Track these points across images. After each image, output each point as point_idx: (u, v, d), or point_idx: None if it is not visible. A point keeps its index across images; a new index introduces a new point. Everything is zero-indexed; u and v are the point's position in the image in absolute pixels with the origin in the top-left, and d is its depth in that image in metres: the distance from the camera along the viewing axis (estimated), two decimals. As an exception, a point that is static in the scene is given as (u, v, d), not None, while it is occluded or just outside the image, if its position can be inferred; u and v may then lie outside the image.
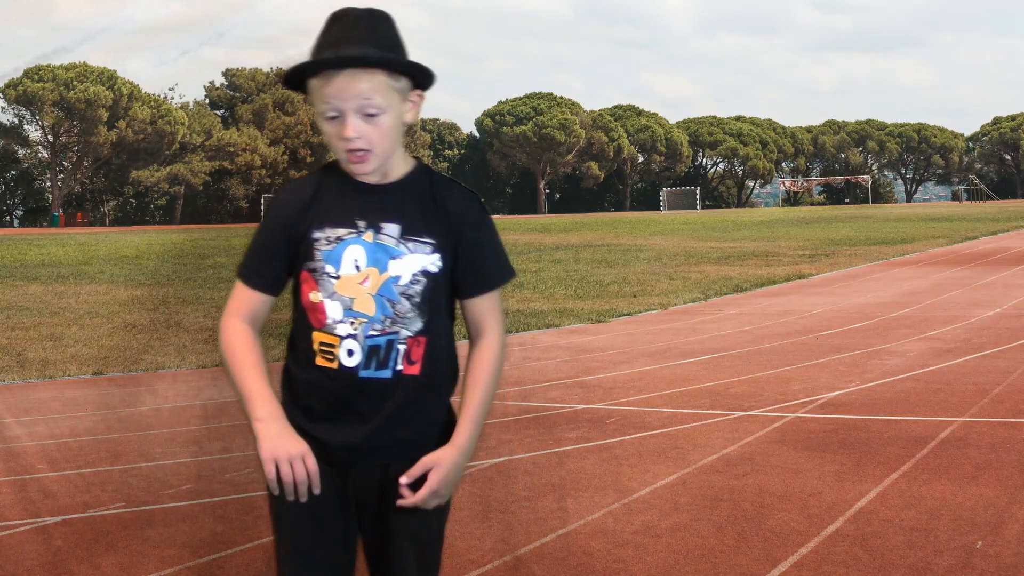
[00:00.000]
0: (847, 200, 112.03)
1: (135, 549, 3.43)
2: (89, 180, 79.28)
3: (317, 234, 1.76)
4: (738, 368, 6.84)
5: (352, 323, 1.75)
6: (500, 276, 1.86)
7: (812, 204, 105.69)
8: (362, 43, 1.71)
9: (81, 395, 6.50)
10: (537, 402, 5.80)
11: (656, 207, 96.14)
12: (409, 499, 1.75)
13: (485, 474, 4.25)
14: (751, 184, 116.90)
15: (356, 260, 1.75)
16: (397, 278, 1.75)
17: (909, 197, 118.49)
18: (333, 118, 1.73)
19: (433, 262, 1.77)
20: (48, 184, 79.90)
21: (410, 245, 1.76)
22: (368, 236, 1.75)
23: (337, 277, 1.75)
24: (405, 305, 1.75)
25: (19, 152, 79.71)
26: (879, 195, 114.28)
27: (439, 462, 1.75)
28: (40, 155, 78.98)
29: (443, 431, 1.82)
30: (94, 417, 5.75)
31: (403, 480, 1.75)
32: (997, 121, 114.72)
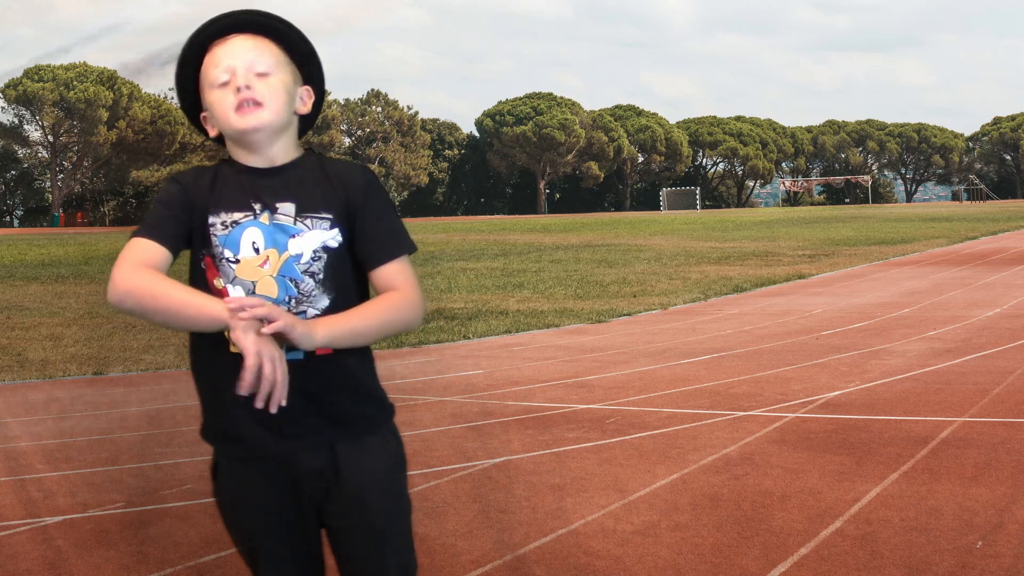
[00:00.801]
0: (847, 200, 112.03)
1: (135, 549, 3.43)
2: (89, 180, 79.28)
3: (212, 219, 1.74)
4: (738, 368, 6.84)
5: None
6: (400, 245, 1.79)
7: (812, 204, 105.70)
8: (265, 16, 1.80)
9: (81, 395, 6.50)
10: (537, 402, 5.80)
11: (656, 207, 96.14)
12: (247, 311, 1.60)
13: (485, 474, 4.25)
14: (751, 184, 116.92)
15: (254, 242, 1.73)
16: (298, 256, 1.73)
17: (909, 197, 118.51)
18: (224, 83, 1.75)
19: (333, 237, 1.75)
20: (48, 184, 79.91)
21: (308, 222, 1.74)
22: (264, 218, 1.74)
23: (236, 261, 1.73)
24: (309, 283, 1.73)
25: (19, 152, 79.74)
26: (879, 195, 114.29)
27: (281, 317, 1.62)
28: (40, 155, 79.00)
29: (377, 405, 1.81)
30: (94, 417, 5.75)
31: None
32: (997, 121, 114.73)
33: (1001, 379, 6.11)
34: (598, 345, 8.30)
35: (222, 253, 1.73)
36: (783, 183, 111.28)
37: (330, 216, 1.75)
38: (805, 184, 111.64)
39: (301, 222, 1.74)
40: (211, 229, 1.74)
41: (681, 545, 3.34)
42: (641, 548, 3.32)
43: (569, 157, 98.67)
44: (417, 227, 47.37)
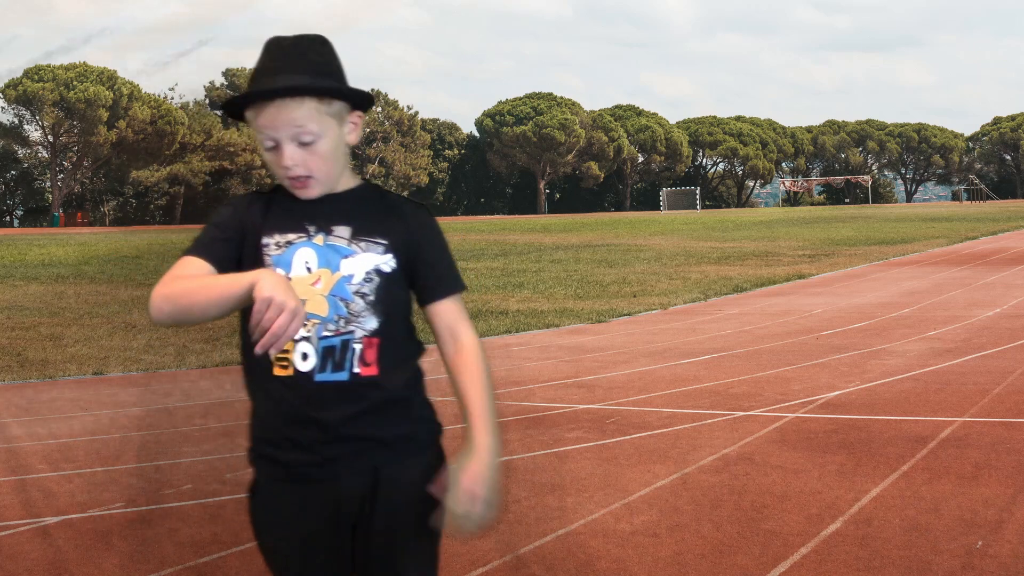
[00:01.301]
0: (847, 200, 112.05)
1: (135, 549, 3.43)
2: (89, 180, 79.29)
3: (266, 239, 1.75)
4: (738, 368, 6.84)
5: (305, 325, 1.71)
6: (458, 283, 1.84)
7: (812, 204, 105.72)
8: (292, 71, 1.72)
9: (81, 395, 6.50)
10: (537, 402, 5.80)
11: (656, 207, 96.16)
12: (449, 515, 1.69)
13: (485, 474, 4.25)
14: (751, 184, 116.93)
15: (307, 262, 1.73)
16: (350, 277, 1.73)
17: (909, 197, 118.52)
18: (271, 148, 1.75)
19: (386, 262, 1.75)
20: (48, 184, 79.92)
21: (362, 244, 1.74)
22: (319, 239, 1.74)
23: (289, 280, 1.71)
24: (359, 304, 1.73)
25: (19, 152, 79.74)
26: (879, 195, 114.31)
27: (466, 467, 1.70)
28: (40, 155, 79.01)
29: (422, 425, 1.79)
30: (94, 417, 5.75)
31: (434, 489, 1.72)
32: (997, 121, 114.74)
33: (1001, 379, 6.11)
34: (598, 345, 8.30)
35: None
36: (783, 183, 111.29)
37: (385, 242, 1.75)
38: (805, 184, 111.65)
39: (355, 244, 1.74)
40: (264, 249, 1.74)
41: (681, 545, 3.34)
42: (641, 548, 3.32)
43: (569, 157, 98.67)
44: (417, 227, 47.25)
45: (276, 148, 1.74)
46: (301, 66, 1.73)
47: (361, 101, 1.81)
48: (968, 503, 3.70)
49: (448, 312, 1.81)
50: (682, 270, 17.24)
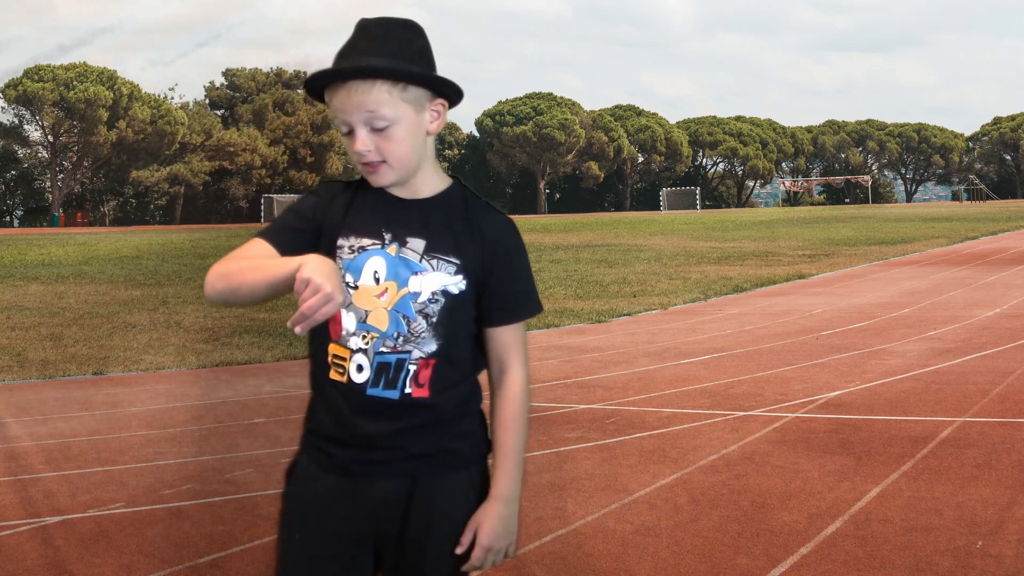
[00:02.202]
0: (847, 200, 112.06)
1: (135, 549, 3.43)
2: (89, 180, 79.30)
3: (342, 241, 1.71)
4: (738, 368, 6.84)
5: (364, 337, 1.69)
6: (528, 308, 1.78)
7: (812, 204, 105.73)
8: (371, 53, 1.66)
9: (81, 395, 6.50)
10: (537, 402, 5.80)
11: (656, 207, 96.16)
12: (467, 565, 1.71)
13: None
14: (751, 184, 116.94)
15: (376, 272, 1.69)
16: (416, 294, 1.69)
17: (909, 197, 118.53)
18: (346, 133, 1.69)
19: (456, 283, 1.70)
20: (48, 184, 79.91)
21: (433, 262, 1.70)
22: (392, 249, 1.70)
23: (355, 287, 1.69)
24: (421, 324, 1.69)
25: (19, 152, 79.73)
26: (879, 195, 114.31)
27: (483, 520, 1.70)
28: (40, 155, 79.01)
29: (474, 443, 1.76)
30: (94, 417, 5.75)
31: (458, 550, 1.70)
32: (997, 121, 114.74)
33: (1001, 379, 6.11)
34: (598, 345, 8.30)
35: (343, 276, 1.69)
36: (783, 183, 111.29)
37: (458, 262, 1.70)
38: (805, 184, 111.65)
39: (427, 260, 1.70)
40: (339, 251, 1.71)
41: (681, 545, 3.34)
42: (641, 548, 3.32)
43: (569, 157, 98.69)
44: (417, 227, 47.26)
45: (351, 133, 1.68)
46: (380, 49, 1.67)
47: (443, 89, 1.73)
48: (968, 503, 3.70)
49: (502, 340, 1.76)
50: (682, 270, 17.25)
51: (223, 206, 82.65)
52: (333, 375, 1.71)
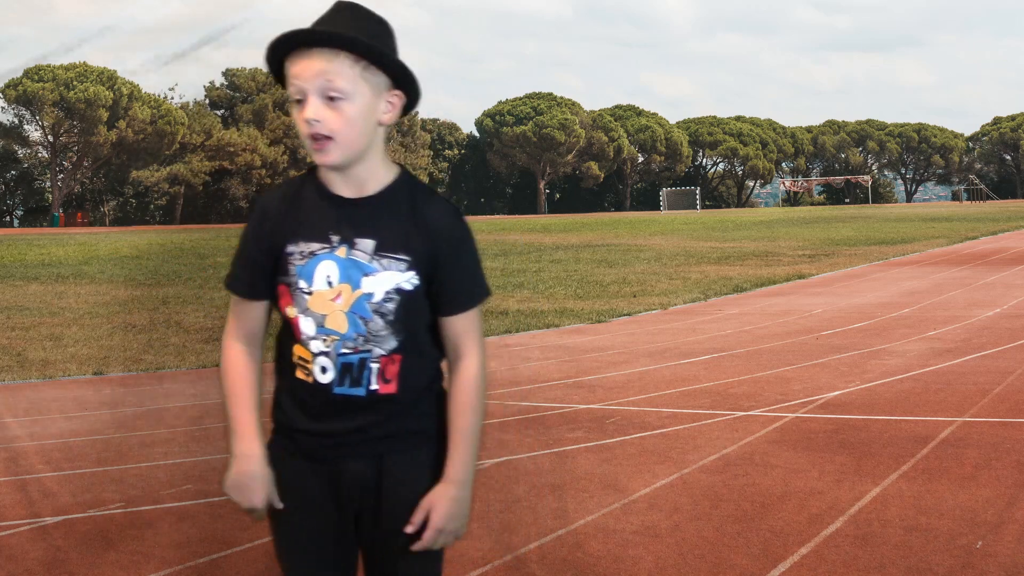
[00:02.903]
0: (847, 200, 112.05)
1: (135, 549, 3.43)
2: (89, 180, 79.30)
3: (291, 248, 1.73)
4: (738, 368, 6.84)
5: (324, 340, 1.72)
6: (477, 295, 1.79)
7: (812, 204, 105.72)
8: (342, 28, 1.67)
9: (81, 395, 6.50)
10: (537, 402, 5.80)
11: (656, 207, 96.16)
12: (418, 544, 1.73)
13: (485, 474, 4.25)
14: (751, 184, 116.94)
15: (328, 276, 1.71)
16: (370, 295, 1.71)
17: (909, 197, 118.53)
18: (299, 101, 1.69)
19: (408, 279, 1.72)
20: (48, 184, 79.91)
21: (384, 262, 1.71)
22: (341, 251, 1.71)
23: (310, 293, 1.72)
24: (378, 323, 1.71)
25: (19, 152, 79.72)
26: (879, 195, 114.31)
27: (436, 502, 1.73)
28: (40, 155, 79.00)
29: (435, 423, 1.80)
30: (94, 417, 5.75)
31: (408, 529, 1.73)
32: (997, 121, 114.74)
33: (1001, 379, 6.11)
34: (598, 345, 8.30)
35: (297, 283, 1.72)
36: (783, 183, 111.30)
37: (408, 259, 1.72)
38: (805, 184, 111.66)
39: (377, 261, 1.71)
40: (289, 258, 1.73)
41: (681, 545, 3.34)
42: (641, 548, 3.32)
43: (569, 157, 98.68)
44: (417, 227, 47.24)
45: (303, 102, 1.68)
46: (352, 27, 1.67)
47: (403, 79, 1.73)
48: (968, 503, 3.70)
49: (455, 328, 1.78)
50: (682, 270, 17.24)
51: (223, 206, 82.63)
52: (299, 374, 1.75)
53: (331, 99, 1.67)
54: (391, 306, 1.71)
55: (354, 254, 1.71)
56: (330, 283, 1.71)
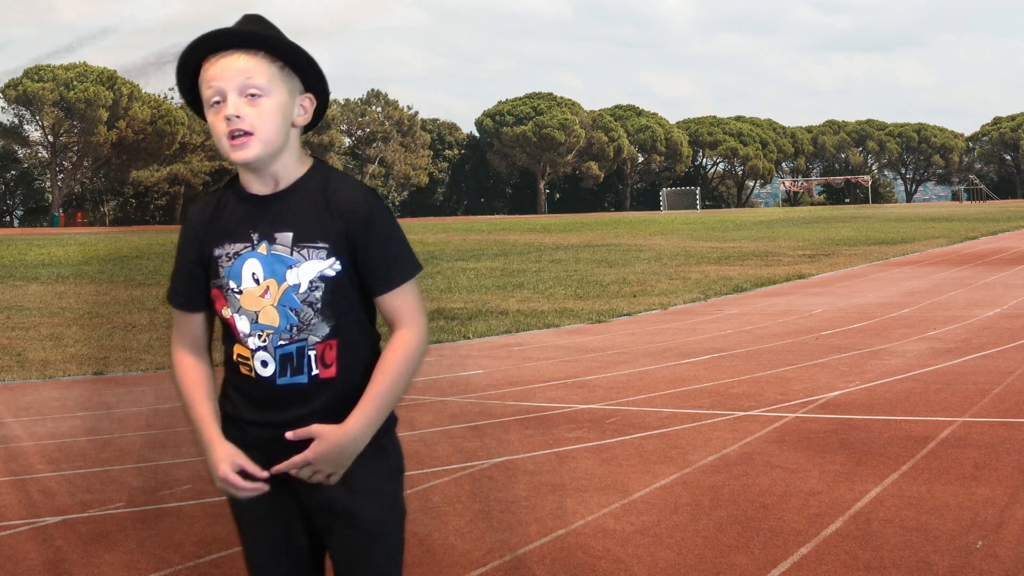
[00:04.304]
0: (847, 200, 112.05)
1: (135, 549, 3.43)
2: (89, 180, 79.31)
3: (218, 251, 1.79)
4: (738, 368, 6.84)
5: (260, 335, 1.77)
6: (406, 271, 1.80)
7: (812, 204, 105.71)
8: (251, 27, 1.75)
9: (81, 395, 6.50)
10: (537, 402, 5.80)
11: (656, 207, 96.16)
12: (284, 465, 1.74)
13: (485, 474, 4.25)
14: (751, 184, 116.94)
15: (254, 273, 1.76)
16: (296, 287, 1.75)
17: (909, 197, 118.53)
18: (216, 104, 1.73)
19: (330, 266, 1.75)
20: (48, 184, 79.92)
21: (304, 252, 1.75)
22: (263, 248, 1.76)
23: (240, 292, 1.77)
24: (308, 312, 1.75)
25: (19, 152, 79.74)
26: (879, 195, 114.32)
27: (322, 435, 1.73)
28: (40, 155, 79.02)
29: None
30: (94, 417, 5.75)
31: (289, 435, 1.74)
32: (997, 121, 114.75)
33: (1001, 379, 6.11)
34: (598, 345, 8.30)
35: (227, 284, 1.78)
36: (783, 183, 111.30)
37: (326, 246, 1.75)
38: (805, 184, 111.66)
39: (298, 252, 1.75)
40: (218, 262, 1.79)
41: (681, 545, 3.34)
42: (641, 548, 3.32)
43: (569, 157, 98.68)
44: (417, 227, 47.37)
45: (220, 104, 1.73)
46: (266, 31, 1.75)
47: (314, 82, 1.80)
48: (968, 503, 3.70)
49: (389, 306, 1.80)
50: (682, 270, 17.25)
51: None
52: (243, 371, 1.80)
53: (251, 96, 1.72)
54: (318, 294, 1.75)
55: (275, 248, 1.76)
56: (256, 280, 1.76)
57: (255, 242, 1.76)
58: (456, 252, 24.19)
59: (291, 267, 1.75)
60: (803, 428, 4.97)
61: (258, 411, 1.79)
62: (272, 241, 1.75)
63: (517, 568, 3.17)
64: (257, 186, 1.79)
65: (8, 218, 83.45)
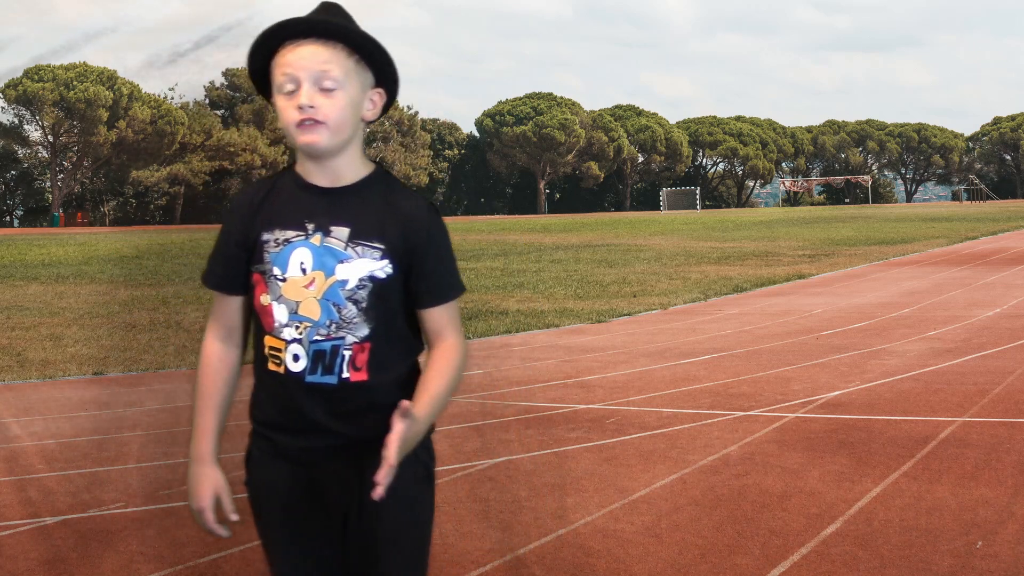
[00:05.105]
0: (847, 200, 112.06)
1: (135, 549, 3.43)
2: (89, 180, 79.30)
3: (266, 236, 1.75)
4: (738, 368, 6.84)
5: (297, 327, 1.73)
6: (455, 288, 1.81)
7: (812, 204, 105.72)
8: (334, 19, 1.73)
9: (81, 395, 6.50)
10: (537, 402, 5.80)
11: (656, 207, 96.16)
12: (379, 484, 1.67)
13: (485, 474, 4.25)
14: (751, 184, 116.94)
15: (302, 263, 1.73)
16: (344, 282, 1.72)
17: (909, 197, 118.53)
18: (289, 92, 1.72)
19: (382, 268, 1.73)
20: (48, 184, 79.91)
21: (359, 249, 1.73)
22: (316, 239, 1.73)
23: (284, 280, 1.73)
24: (351, 310, 1.73)
25: (19, 152, 79.71)
26: (879, 195, 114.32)
27: (408, 414, 1.67)
28: (40, 155, 79.00)
29: None
30: (94, 417, 5.75)
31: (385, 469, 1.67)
32: (997, 121, 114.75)
33: (1001, 379, 6.11)
34: (598, 345, 8.30)
35: (271, 270, 1.74)
36: (783, 183, 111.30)
37: (382, 247, 1.73)
38: (805, 184, 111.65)
39: (352, 248, 1.73)
40: (264, 246, 1.75)
41: (681, 545, 3.34)
42: (641, 548, 3.32)
43: (569, 157, 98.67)
44: (417, 227, 47.22)
45: (294, 92, 1.71)
46: (344, 22, 1.73)
47: (388, 78, 1.79)
48: (968, 503, 3.70)
49: (437, 319, 1.79)
50: (682, 270, 17.25)
51: (223, 206, 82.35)
52: (271, 366, 1.76)
53: (325, 87, 1.71)
54: (364, 293, 1.73)
55: (329, 241, 1.73)
56: (304, 270, 1.73)
57: (309, 232, 1.73)
58: (456, 252, 24.03)
59: (342, 262, 1.72)
60: (803, 428, 4.97)
61: (284, 414, 1.76)
62: (327, 233, 1.73)
63: (517, 568, 3.17)
64: (318, 177, 1.77)
65: (8, 218, 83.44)
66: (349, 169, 1.77)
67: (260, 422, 1.81)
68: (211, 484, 1.79)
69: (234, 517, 1.77)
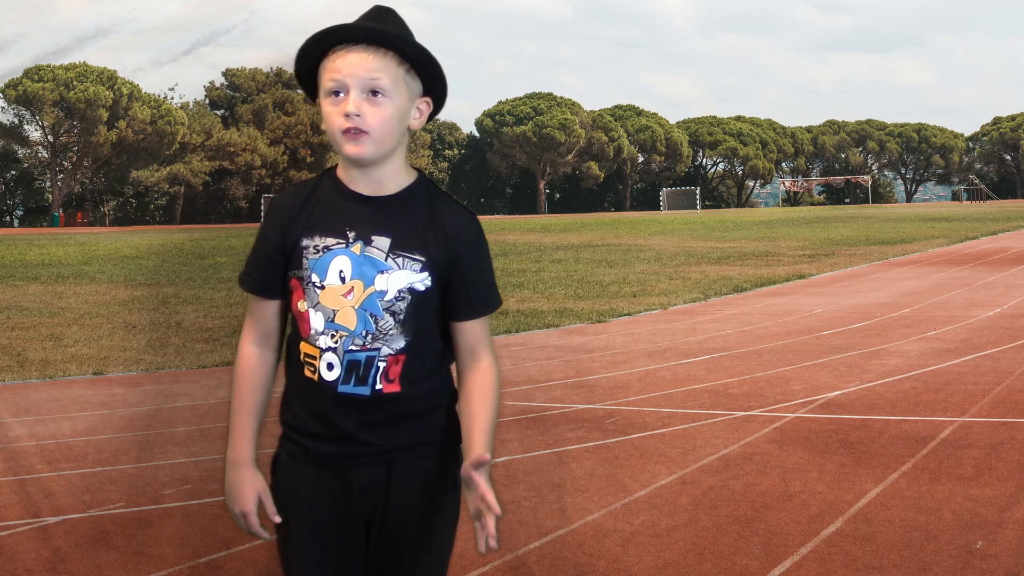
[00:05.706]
0: (847, 200, 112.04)
1: (135, 549, 3.43)
2: (89, 180, 79.27)
3: (306, 242, 1.73)
4: (738, 368, 6.84)
5: (333, 336, 1.72)
6: (492, 303, 1.81)
7: (812, 204, 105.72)
8: (388, 26, 1.71)
9: (81, 395, 6.50)
10: (537, 402, 5.80)
11: (656, 207, 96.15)
12: (492, 538, 1.69)
13: (485, 474, 4.25)
14: (751, 184, 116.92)
15: (342, 271, 1.71)
16: (383, 293, 1.71)
17: (909, 197, 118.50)
18: (336, 94, 1.70)
19: (422, 280, 1.72)
20: (48, 184, 79.89)
21: (399, 260, 1.71)
22: (356, 248, 1.71)
23: (322, 287, 1.72)
24: (389, 322, 1.71)
25: (19, 152, 79.70)
26: (879, 195, 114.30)
27: (480, 483, 1.70)
28: (40, 155, 78.96)
29: (446, 435, 1.79)
30: (94, 417, 5.75)
31: (489, 538, 1.70)
32: (997, 121, 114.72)
33: (1001, 379, 6.11)
34: (598, 345, 8.30)
35: (310, 276, 1.72)
36: (783, 183, 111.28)
37: (423, 259, 1.72)
38: (805, 184, 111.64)
39: (392, 259, 1.71)
40: (304, 252, 1.73)
41: (681, 545, 3.34)
42: (641, 548, 3.32)
43: (569, 157, 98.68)
44: (417, 227, 47.23)
45: (341, 97, 1.69)
46: (396, 29, 1.71)
47: (435, 86, 1.77)
48: (968, 503, 3.70)
49: (472, 333, 1.79)
50: (682, 270, 17.24)
51: (223, 206, 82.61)
52: (306, 373, 1.75)
53: (373, 95, 1.69)
54: (402, 305, 1.71)
55: (369, 251, 1.72)
56: (343, 278, 1.71)
57: (350, 240, 1.72)
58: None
59: (382, 272, 1.71)
60: (803, 428, 4.97)
61: (316, 420, 1.75)
62: (368, 243, 1.71)
63: (517, 568, 3.17)
64: (360, 184, 1.75)
65: (8, 218, 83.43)
66: (392, 178, 1.76)
67: (291, 427, 1.79)
68: (253, 488, 1.77)
69: (277, 519, 1.76)
